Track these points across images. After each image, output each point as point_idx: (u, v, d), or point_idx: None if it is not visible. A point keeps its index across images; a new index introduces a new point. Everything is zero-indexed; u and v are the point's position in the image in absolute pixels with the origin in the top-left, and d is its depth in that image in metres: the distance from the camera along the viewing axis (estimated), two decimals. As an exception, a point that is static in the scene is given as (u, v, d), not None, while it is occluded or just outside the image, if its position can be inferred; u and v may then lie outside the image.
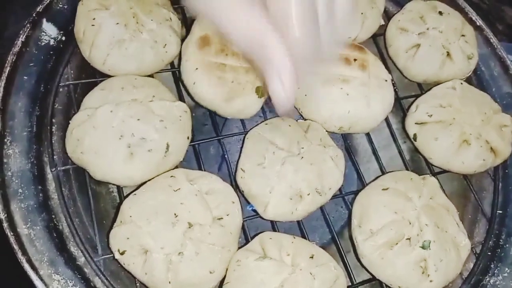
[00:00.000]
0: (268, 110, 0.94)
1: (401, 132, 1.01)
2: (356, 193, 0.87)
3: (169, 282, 0.70)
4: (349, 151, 0.93)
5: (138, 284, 0.75)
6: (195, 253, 0.70)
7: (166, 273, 0.70)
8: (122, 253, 0.71)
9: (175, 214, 0.72)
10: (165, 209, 0.73)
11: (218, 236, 0.73)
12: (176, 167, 0.83)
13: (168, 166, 0.80)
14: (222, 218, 0.75)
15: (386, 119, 0.97)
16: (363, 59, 0.91)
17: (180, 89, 0.93)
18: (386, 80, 0.92)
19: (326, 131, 0.89)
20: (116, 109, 0.78)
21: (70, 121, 0.79)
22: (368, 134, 0.96)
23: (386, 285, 0.80)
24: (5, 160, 0.78)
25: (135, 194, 0.76)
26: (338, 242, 0.84)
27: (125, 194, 0.79)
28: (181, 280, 0.70)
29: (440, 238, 0.78)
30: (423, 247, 0.76)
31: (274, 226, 0.84)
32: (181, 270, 0.70)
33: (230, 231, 0.75)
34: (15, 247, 0.72)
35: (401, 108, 1.01)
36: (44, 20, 0.89)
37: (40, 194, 0.78)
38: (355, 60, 0.90)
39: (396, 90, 1.00)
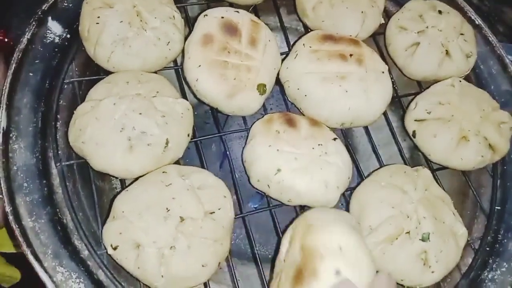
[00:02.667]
0: (269, 107, 0.95)
1: (401, 130, 1.02)
2: (356, 190, 0.87)
3: (162, 276, 0.70)
4: (350, 149, 0.93)
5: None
6: (187, 247, 0.71)
7: (159, 267, 0.70)
8: (114, 248, 0.72)
9: (167, 209, 0.73)
10: (157, 204, 0.73)
11: (210, 230, 0.73)
12: (179, 163, 0.85)
13: (166, 161, 0.81)
14: (214, 212, 0.76)
15: (386, 117, 0.98)
16: (359, 54, 0.92)
17: (183, 86, 0.95)
18: (383, 72, 0.93)
19: (329, 127, 0.90)
20: (119, 102, 0.79)
21: (74, 111, 0.81)
22: (368, 132, 0.97)
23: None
24: (10, 155, 0.79)
25: (127, 190, 0.77)
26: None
27: (127, 189, 0.80)
28: (174, 274, 0.70)
29: (439, 229, 0.79)
30: (422, 240, 0.77)
31: (275, 223, 0.84)
32: (173, 264, 0.70)
33: (222, 225, 0.75)
34: (20, 239, 0.73)
35: (400, 106, 1.02)
36: (50, 18, 0.91)
37: (45, 188, 0.79)
38: (351, 55, 0.91)
39: (396, 88, 1.01)
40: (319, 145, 0.84)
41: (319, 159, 0.83)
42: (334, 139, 0.87)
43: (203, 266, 0.72)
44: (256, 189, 0.85)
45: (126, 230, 0.72)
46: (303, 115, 0.93)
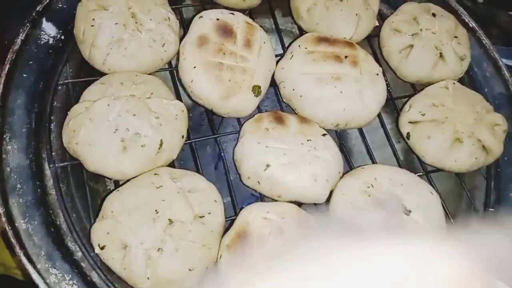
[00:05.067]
0: (264, 109, 0.95)
1: (395, 132, 1.02)
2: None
3: (148, 278, 0.69)
4: (344, 151, 0.94)
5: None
6: (174, 250, 0.70)
7: (145, 268, 0.69)
8: (102, 248, 0.71)
9: (156, 211, 0.72)
10: (146, 205, 0.73)
11: (199, 233, 0.73)
12: (173, 165, 0.85)
13: (160, 163, 0.81)
14: (203, 216, 0.75)
15: (380, 120, 0.99)
16: (354, 56, 0.93)
17: (178, 88, 0.95)
18: (377, 74, 0.94)
19: (323, 129, 0.90)
20: (113, 103, 0.79)
21: (68, 112, 0.81)
22: (362, 134, 0.97)
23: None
24: (4, 156, 0.79)
25: (118, 190, 0.77)
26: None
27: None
28: (160, 277, 0.70)
29: None
30: None
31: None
32: (160, 266, 0.70)
33: (212, 229, 0.75)
34: (13, 241, 0.73)
35: (394, 108, 1.02)
36: (44, 19, 0.90)
37: (38, 190, 0.79)
38: (346, 57, 0.92)
39: (390, 90, 1.01)
40: (308, 140, 0.85)
41: (308, 154, 0.83)
42: (324, 134, 0.88)
43: (190, 270, 0.71)
44: (248, 187, 0.85)
45: (114, 230, 0.71)
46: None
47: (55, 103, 0.88)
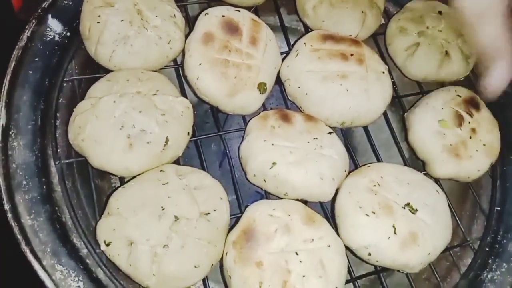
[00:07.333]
0: (269, 107, 0.95)
1: (400, 130, 1.02)
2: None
3: (153, 275, 0.70)
4: (349, 149, 0.93)
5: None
6: (180, 247, 0.70)
7: (151, 265, 0.70)
8: (107, 245, 0.71)
9: (161, 207, 0.73)
10: (152, 202, 0.73)
11: (205, 230, 0.73)
12: (178, 162, 0.84)
13: (166, 159, 0.81)
14: (209, 214, 0.75)
15: (386, 118, 0.98)
16: (359, 54, 0.93)
17: (183, 85, 0.95)
18: (383, 72, 0.94)
19: (329, 127, 0.90)
20: (119, 100, 0.79)
21: (74, 109, 0.81)
22: (368, 133, 0.97)
23: (385, 279, 0.81)
24: (10, 153, 0.79)
25: (123, 187, 0.77)
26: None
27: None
28: (165, 273, 0.70)
29: None
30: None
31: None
32: (165, 263, 0.70)
33: (217, 226, 0.75)
34: (19, 237, 0.73)
35: (400, 106, 1.02)
36: (50, 16, 0.90)
37: (44, 186, 0.79)
38: (351, 55, 0.92)
39: (396, 88, 1.01)
40: (314, 139, 0.85)
41: (314, 152, 0.83)
42: (330, 133, 0.88)
43: (195, 267, 0.71)
44: (254, 185, 0.85)
45: (119, 226, 0.71)
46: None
47: (61, 100, 0.88)
